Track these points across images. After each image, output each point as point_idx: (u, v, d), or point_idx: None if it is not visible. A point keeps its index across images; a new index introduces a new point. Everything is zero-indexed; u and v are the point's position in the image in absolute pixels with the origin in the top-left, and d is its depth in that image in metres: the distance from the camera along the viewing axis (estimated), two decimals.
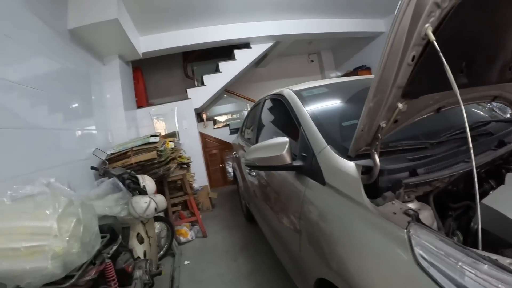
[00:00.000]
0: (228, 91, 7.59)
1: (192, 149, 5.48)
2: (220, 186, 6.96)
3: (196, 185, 5.05)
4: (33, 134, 2.38)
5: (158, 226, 3.45)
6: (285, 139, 1.64)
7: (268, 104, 2.86)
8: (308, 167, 1.64)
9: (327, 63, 9.44)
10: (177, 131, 5.46)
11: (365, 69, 7.68)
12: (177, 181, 4.19)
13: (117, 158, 3.50)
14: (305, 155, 1.70)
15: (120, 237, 2.12)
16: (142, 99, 5.83)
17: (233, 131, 7.21)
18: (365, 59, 7.87)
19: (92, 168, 2.94)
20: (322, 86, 2.41)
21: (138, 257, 2.55)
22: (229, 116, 8.65)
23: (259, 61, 7.90)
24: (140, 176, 2.63)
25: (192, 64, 7.65)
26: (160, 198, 2.48)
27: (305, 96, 2.16)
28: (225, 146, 7.05)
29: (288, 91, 2.30)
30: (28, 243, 1.26)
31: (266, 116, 2.89)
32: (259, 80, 8.71)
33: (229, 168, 7.05)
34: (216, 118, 7.97)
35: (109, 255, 1.80)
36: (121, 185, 2.55)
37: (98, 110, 4.03)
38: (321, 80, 2.70)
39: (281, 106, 2.33)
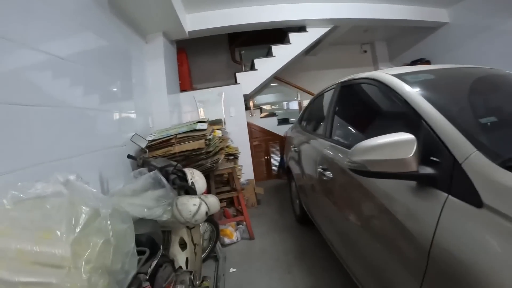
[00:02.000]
0: (277, 78, 7.04)
1: (239, 139, 5.01)
2: (264, 180, 6.48)
3: (242, 179, 4.58)
4: (63, 114, 1.99)
5: (201, 226, 3.02)
6: (411, 136, 1.10)
7: (349, 91, 2.29)
8: (446, 178, 1.09)
9: (381, 54, 8.69)
10: (224, 119, 4.99)
11: (424, 62, 6.93)
12: (223, 174, 3.73)
13: (157, 146, 3.07)
14: (437, 160, 1.15)
15: (161, 248, 1.67)
16: (186, 82, 5.41)
17: (280, 122, 6.71)
18: (423, 51, 7.13)
19: (129, 156, 2.51)
20: (424, 71, 1.83)
21: (180, 268, 2.11)
22: (270, 107, 8.12)
23: (310, 49, 7.31)
24: (188, 170, 2.16)
25: (239, 49, 7.18)
26: (212, 200, 1.99)
27: (412, 83, 1.59)
28: (271, 137, 6.57)
29: (387, 76, 1.73)
30: (28, 277, 0.81)
31: (346, 106, 2.33)
32: (309, 69, 8.11)
33: (274, 161, 6.60)
34: (263, 106, 7.45)
35: (147, 277, 1.34)
36: (164, 180, 2.11)
37: (139, 92, 3.66)
38: (414, 66, 2.09)
39: (374, 94, 1.79)
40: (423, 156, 1.19)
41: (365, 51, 8.83)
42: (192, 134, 3.06)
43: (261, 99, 7.85)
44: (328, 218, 2.26)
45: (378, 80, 1.76)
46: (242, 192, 3.53)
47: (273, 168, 6.65)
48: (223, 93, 5.02)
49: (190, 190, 1.99)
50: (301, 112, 3.94)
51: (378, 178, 1.30)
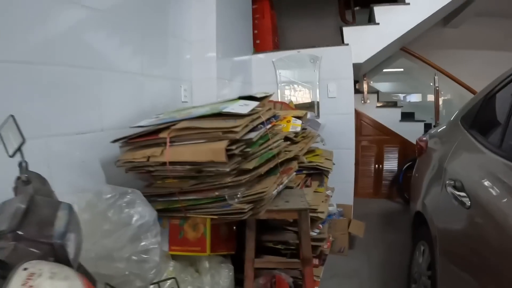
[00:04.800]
0: (405, 51, 4.85)
1: (339, 137, 3.00)
2: (368, 198, 4.48)
3: (331, 207, 2.64)
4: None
5: None
6: None
7: None
8: None
9: None
10: (317, 102, 3.08)
11: None
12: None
13: (140, 142, 1.38)
14: None
15: None
16: (267, 42, 3.61)
17: (405, 117, 4.61)
18: None
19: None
20: None
21: None
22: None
23: (450, 17, 4.96)
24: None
25: (353, 8, 5.08)
26: None
27: None
28: (389, 138, 4.51)
29: None
30: None
31: None
32: (447, 46, 5.53)
33: (387, 173, 4.58)
34: (381, 91, 5.31)
35: None
36: None
37: (174, 47, 2.34)
38: None
39: None
40: None
41: None
42: (212, 124, 1.27)
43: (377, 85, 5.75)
44: None
45: None
46: (312, 266, 1.54)
47: (383, 182, 4.59)
48: (320, 58, 3.03)
49: None
50: (468, 104, 1.85)
51: None
